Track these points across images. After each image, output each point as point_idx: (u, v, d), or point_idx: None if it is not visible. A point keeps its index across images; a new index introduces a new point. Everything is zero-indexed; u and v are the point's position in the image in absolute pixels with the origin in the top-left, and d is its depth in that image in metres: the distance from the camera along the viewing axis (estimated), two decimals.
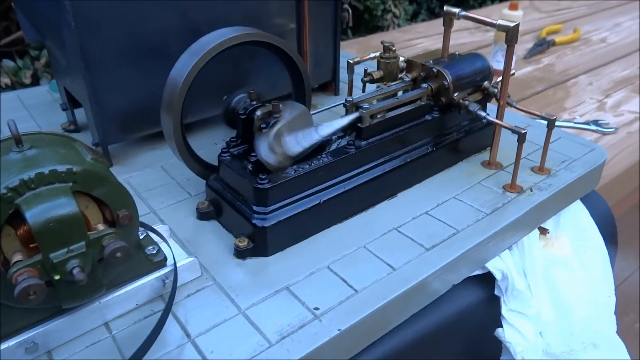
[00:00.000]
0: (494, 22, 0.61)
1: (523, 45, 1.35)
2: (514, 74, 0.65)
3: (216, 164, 0.59)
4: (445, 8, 0.65)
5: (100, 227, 0.41)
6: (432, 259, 0.54)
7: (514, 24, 0.59)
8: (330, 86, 0.93)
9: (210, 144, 0.76)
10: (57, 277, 0.38)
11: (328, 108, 0.71)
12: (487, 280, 0.61)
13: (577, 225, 0.71)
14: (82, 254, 0.38)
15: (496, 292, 0.62)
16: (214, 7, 0.71)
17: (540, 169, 0.68)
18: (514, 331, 0.61)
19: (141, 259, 0.48)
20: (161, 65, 0.60)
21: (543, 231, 0.68)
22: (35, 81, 1.29)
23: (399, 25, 2.12)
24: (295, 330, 0.45)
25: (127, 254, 0.39)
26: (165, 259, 0.49)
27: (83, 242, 0.38)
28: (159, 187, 0.66)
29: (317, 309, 0.48)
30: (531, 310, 0.61)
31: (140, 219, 0.59)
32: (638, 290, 1.52)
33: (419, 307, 0.53)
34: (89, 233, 0.39)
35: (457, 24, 0.67)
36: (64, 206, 0.37)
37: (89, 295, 0.41)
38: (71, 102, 0.78)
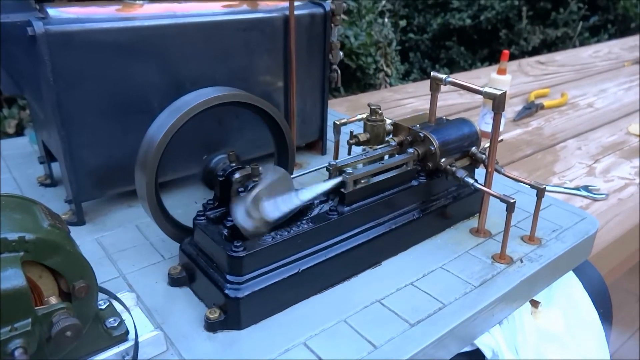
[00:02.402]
0: (481, 89, 0.60)
1: (512, 108, 1.36)
2: (502, 140, 0.64)
3: (192, 225, 0.56)
4: (432, 74, 0.64)
5: (53, 300, 0.38)
6: (416, 336, 0.50)
7: (501, 92, 0.58)
8: (317, 145, 0.92)
9: (189, 203, 0.73)
10: None
11: (315, 170, 0.69)
12: (477, 356, 0.58)
13: (569, 297, 0.68)
14: (26, 332, 0.34)
15: None
16: (199, 65, 0.70)
17: (531, 239, 0.66)
18: None
19: (99, 332, 0.44)
20: (142, 121, 0.58)
21: (534, 304, 0.65)
22: (20, 130, 1.27)
23: (390, 84, 2.16)
24: None
25: (77, 333, 0.36)
26: (127, 332, 0.45)
27: (29, 319, 0.35)
28: (131, 249, 0.63)
29: None
30: None
31: (108, 284, 0.56)
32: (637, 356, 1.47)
33: None
34: (38, 308, 0.36)
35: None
36: (10, 279, 0.34)
37: None
38: (48, 156, 0.76)
